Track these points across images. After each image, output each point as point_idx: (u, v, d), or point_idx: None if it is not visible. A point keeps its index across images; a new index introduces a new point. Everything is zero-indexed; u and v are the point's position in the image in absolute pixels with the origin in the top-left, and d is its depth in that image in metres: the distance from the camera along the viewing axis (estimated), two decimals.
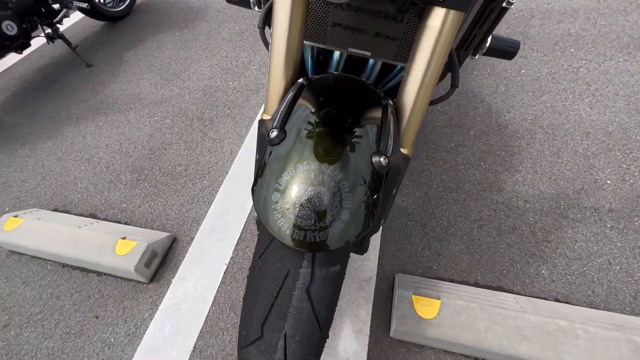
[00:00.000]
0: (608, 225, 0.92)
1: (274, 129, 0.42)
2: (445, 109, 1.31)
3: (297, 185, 0.37)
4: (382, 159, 0.40)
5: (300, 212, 0.36)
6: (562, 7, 1.71)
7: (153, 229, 1.08)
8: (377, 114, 0.47)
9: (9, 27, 1.50)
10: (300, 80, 0.49)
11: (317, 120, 0.44)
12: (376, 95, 0.51)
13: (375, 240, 0.96)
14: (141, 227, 1.09)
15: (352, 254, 0.91)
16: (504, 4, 0.56)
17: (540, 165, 1.08)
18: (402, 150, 0.52)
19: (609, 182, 1.01)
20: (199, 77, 1.65)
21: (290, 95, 0.47)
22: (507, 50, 0.66)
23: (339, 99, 0.49)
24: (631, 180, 1.00)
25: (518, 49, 0.67)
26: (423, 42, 0.45)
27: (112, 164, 1.32)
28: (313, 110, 0.46)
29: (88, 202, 1.20)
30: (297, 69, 0.53)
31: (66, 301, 0.96)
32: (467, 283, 0.86)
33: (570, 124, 1.18)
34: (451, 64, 0.61)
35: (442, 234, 0.96)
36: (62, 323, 0.91)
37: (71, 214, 1.17)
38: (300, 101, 0.47)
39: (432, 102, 0.66)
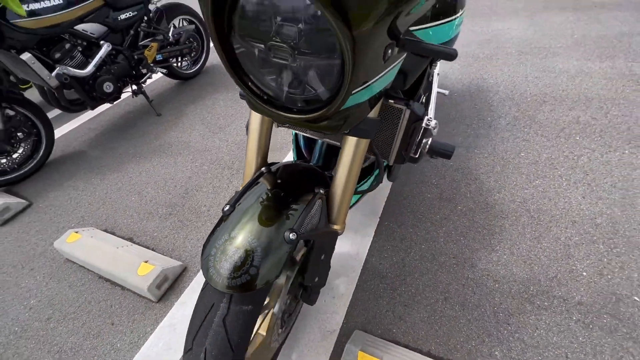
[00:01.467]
0: (574, 318, 0.94)
1: (227, 205, 0.61)
2: (440, 183, 1.42)
3: (226, 247, 0.55)
4: (291, 235, 0.56)
5: (224, 265, 0.53)
6: (577, 94, 1.78)
7: (171, 257, 1.31)
8: (309, 197, 0.65)
9: (107, 86, 2.00)
10: (262, 168, 0.70)
11: (263, 199, 0.62)
12: (315, 181, 0.69)
13: (347, 297, 1.07)
14: (162, 254, 1.33)
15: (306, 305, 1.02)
16: (423, 125, 0.72)
17: (518, 248, 1.13)
18: (333, 226, 0.69)
19: (585, 274, 1.03)
20: (237, 132, 1.98)
21: (250, 180, 0.67)
22: (444, 152, 0.81)
23: (288, 183, 0.68)
24: (609, 276, 1.01)
25: (452, 152, 0.81)
26: (344, 154, 0.64)
27: (155, 198, 1.62)
28: (266, 191, 0.65)
29: (129, 228, 1.49)
30: (264, 158, 0.74)
31: (94, 306, 1.19)
32: (420, 351, 0.92)
33: (558, 210, 1.22)
34: (377, 164, 0.78)
35: (409, 300, 1.04)
36: (87, 324, 1.14)
37: (115, 235, 1.46)
38: (261, 183, 0.67)
39: (357, 192, 0.82)
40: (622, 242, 1.09)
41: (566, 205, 1.23)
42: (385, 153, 0.82)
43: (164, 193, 1.65)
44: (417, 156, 0.79)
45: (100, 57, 1.93)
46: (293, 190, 0.66)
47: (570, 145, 1.48)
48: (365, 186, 0.97)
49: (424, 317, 0.99)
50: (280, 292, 0.73)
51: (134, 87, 2.26)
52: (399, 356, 0.85)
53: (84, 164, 1.99)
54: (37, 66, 1.71)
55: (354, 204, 1.09)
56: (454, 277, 1.08)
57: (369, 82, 0.46)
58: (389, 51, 0.45)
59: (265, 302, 0.73)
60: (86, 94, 1.96)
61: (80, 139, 2.26)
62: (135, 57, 2.14)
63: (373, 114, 0.60)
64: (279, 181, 0.67)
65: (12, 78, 2.13)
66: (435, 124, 0.81)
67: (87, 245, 1.32)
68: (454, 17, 0.81)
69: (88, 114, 2.51)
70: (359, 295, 1.08)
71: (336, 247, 1.22)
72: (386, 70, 0.50)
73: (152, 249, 1.36)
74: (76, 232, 1.39)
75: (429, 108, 0.92)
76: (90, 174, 1.89)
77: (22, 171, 1.89)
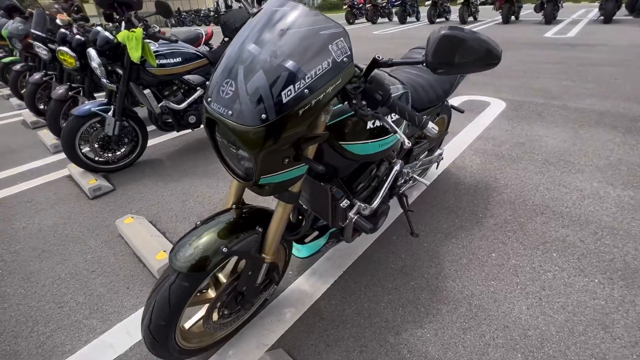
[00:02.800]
0: None
1: (200, 220, 0.99)
2: (407, 258, 1.63)
3: (185, 243, 0.92)
4: (223, 248, 0.91)
5: (180, 253, 0.90)
6: (578, 214, 1.84)
7: None
8: (252, 231, 0.99)
9: (191, 118, 2.69)
10: (233, 205, 1.07)
11: (223, 223, 0.99)
12: (263, 221, 1.03)
13: (288, 323, 1.33)
14: None
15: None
16: (342, 205, 1.03)
17: (443, 332, 1.27)
18: (262, 255, 1.02)
19: None
20: None
21: (222, 209, 1.05)
22: (362, 229, 1.09)
23: (245, 218, 1.04)
24: None
25: (369, 231, 1.08)
26: (277, 211, 0.98)
27: (192, 209, 2.12)
28: (228, 219, 1.02)
29: (167, 224, 1.98)
30: (240, 197, 1.12)
31: (122, 272, 1.65)
32: None
33: (497, 312, 1.33)
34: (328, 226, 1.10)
35: (332, 342, 1.26)
36: (113, 282, 1.60)
37: (155, 227, 1.96)
38: (228, 213, 1.04)
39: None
40: (542, 358, 1.16)
41: (507, 310, 1.34)
42: (326, 217, 1.14)
43: (200, 206, 2.14)
44: (343, 225, 1.08)
45: (194, 98, 2.65)
46: (246, 223, 1.02)
47: (543, 260, 1.56)
48: (312, 247, 1.30)
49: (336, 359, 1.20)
50: (218, 289, 1.06)
51: None
52: None
53: (158, 169, 2.65)
54: (151, 98, 2.45)
55: (312, 254, 1.39)
56: (377, 337, 1.27)
57: (275, 173, 0.82)
58: (286, 160, 0.80)
59: (209, 296, 1.07)
60: (176, 121, 2.66)
61: (163, 150, 2.98)
62: None
63: (295, 188, 0.94)
64: (242, 215, 1.04)
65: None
66: (364, 207, 1.11)
67: (134, 229, 1.84)
68: (379, 138, 1.04)
69: (174, 134, 3.29)
70: (298, 325, 1.33)
71: (300, 285, 1.51)
72: (292, 167, 0.84)
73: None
74: (132, 217, 1.93)
75: (376, 198, 1.21)
76: (158, 178, 2.52)
77: (119, 164, 2.62)
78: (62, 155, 2.88)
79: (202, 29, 4.17)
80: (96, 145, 2.48)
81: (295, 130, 0.74)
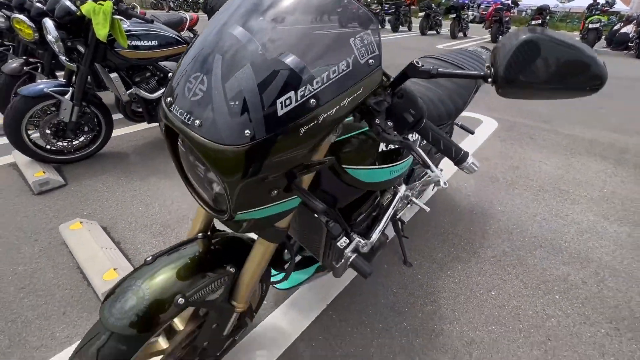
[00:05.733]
0: None
1: (151, 255, 0.75)
2: (399, 292, 1.44)
3: (126, 290, 0.68)
4: (179, 300, 0.67)
5: (116, 304, 0.66)
6: (578, 251, 1.73)
7: None
8: (220, 272, 0.76)
9: None
10: (199, 234, 0.84)
11: (181, 261, 0.76)
12: (236, 258, 0.81)
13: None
14: (134, 266, 1.48)
15: None
16: (339, 244, 0.82)
17: None
18: (233, 302, 0.79)
19: None
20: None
21: (184, 241, 0.81)
22: (361, 272, 0.88)
23: (212, 253, 0.80)
24: None
25: (367, 275, 0.88)
26: (255, 249, 0.76)
27: (156, 215, 1.84)
28: (188, 255, 0.78)
29: (122, 233, 1.69)
30: (209, 223, 0.88)
31: (60, 292, 1.36)
32: None
33: None
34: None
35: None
36: (46, 305, 1.30)
37: (109, 235, 1.66)
38: (188, 247, 0.81)
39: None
40: None
41: None
42: (316, 252, 0.92)
43: (165, 212, 1.86)
44: (337, 266, 0.87)
45: None
46: (214, 260, 0.78)
47: (545, 302, 1.43)
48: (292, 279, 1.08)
49: None
50: (174, 343, 0.82)
51: None
52: None
53: (121, 165, 2.33)
54: (119, 84, 2.14)
55: (294, 286, 1.17)
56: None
57: (256, 209, 0.60)
58: (274, 192, 0.58)
59: (159, 348, 0.83)
60: (147, 111, 2.36)
61: (130, 143, 2.66)
62: None
63: (282, 224, 0.72)
64: (209, 248, 0.80)
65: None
66: (364, 244, 0.91)
67: (81, 237, 1.54)
68: (391, 164, 0.85)
69: (144, 125, 2.95)
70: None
71: (276, 320, 1.28)
72: (281, 200, 0.63)
73: (129, 259, 1.53)
74: (80, 222, 1.63)
75: (375, 230, 1.01)
76: (121, 175, 2.21)
77: (74, 156, 2.27)
78: None
79: (187, 14, 3.84)
80: (48, 132, 2.13)
81: (292, 154, 0.52)
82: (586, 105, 4.29)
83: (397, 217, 1.48)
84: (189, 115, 0.50)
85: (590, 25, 8.84)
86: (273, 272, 1.20)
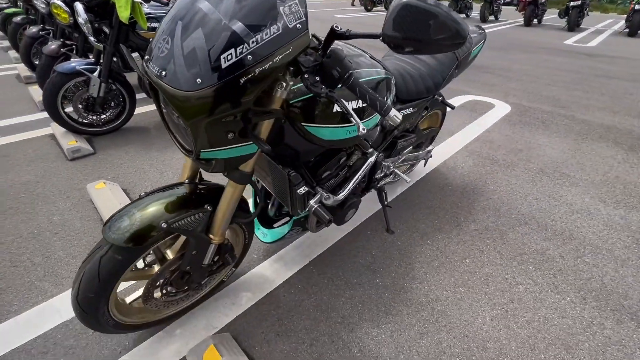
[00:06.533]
0: None
1: (145, 191, 0.93)
2: (377, 255, 1.57)
3: (123, 214, 0.86)
4: (162, 224, 0.84)
5: (115, 224, 0.84)
6: (563, 229, 1.77)
7: None
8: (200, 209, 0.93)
9: None
10: (186, 180, 1.00)
11: (170, 198, 0.93)
12: (213, 199, 0.97)
13: (242, 308, 1.29)
14: None
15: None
16: (300, 191, 0.96)
17: (399, 335, 1.22)
18: (209, 235, 0.95)
19: None
20: None
21: (175, 182, 0.98)
22: (320, 220, 1.02)
23: (196, 194, 0.97)
24: None
25: (327, 223, 1.01)
26: (227, 190, 0.91)
27: (169, 180, 2.06)
28: (177, 193, 0.95)
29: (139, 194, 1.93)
30: (196, 173, 1.05)
31: (85, 238, 1.61)
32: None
33: (459, 320, 1.28)
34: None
35: (283, 332, 1.21)
36: (74, 247, 1.55)
37: (128, 195, 1.90)
38: (178, 187, 0.98)
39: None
40: None
41: (470, 319, 1.28)
42: (286, 202, 1.07)
43: (175, 178, 2.08)
44: (301, 213, 1.01)
45: None
46: (195, 200, 0.95)
47: (517, 272, 1.50)
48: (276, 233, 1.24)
49: (284, 350, 1.16)
50: (164, 266, 1.01)
51: None
52: None
53: (142, 138, 2.58)
54: (140, 62, 2.35)
55: (276, 240, 1.33)
56: (330, 331, 1.22)
57: (219, 148, 0.74)
58: (230, 134, 0.73)
59: (153, 272, 1.02)
60: None
61: (152, 119, 2.90)
62: None
63: (246, 167, 0.87)
64: (193, 191, 0.97)
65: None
66: (327, 197, 1.04)
67: (104, 195, 1.78)
68: (348, 124, 0.94)
69: None
70: (252, 310, 1.29)
71: (262, 269, 1.46)
72: (239, 144, 0.77)
73: None
74: (104, 183, 1.87)
75: (346, 187, 1.14)
76: (141, 146, 2.45)
77: (102, 128, 2.54)
78: None
79: None
80: (80, 106, 2.40)
81: (237, 101, 0.66)
82: (614, 90, 4.08)
83: (379, 186, 1.59)
84: (159, 69, 0.66)
85: (637, 7, 8.14)
86: (262, 230, 1.36)
